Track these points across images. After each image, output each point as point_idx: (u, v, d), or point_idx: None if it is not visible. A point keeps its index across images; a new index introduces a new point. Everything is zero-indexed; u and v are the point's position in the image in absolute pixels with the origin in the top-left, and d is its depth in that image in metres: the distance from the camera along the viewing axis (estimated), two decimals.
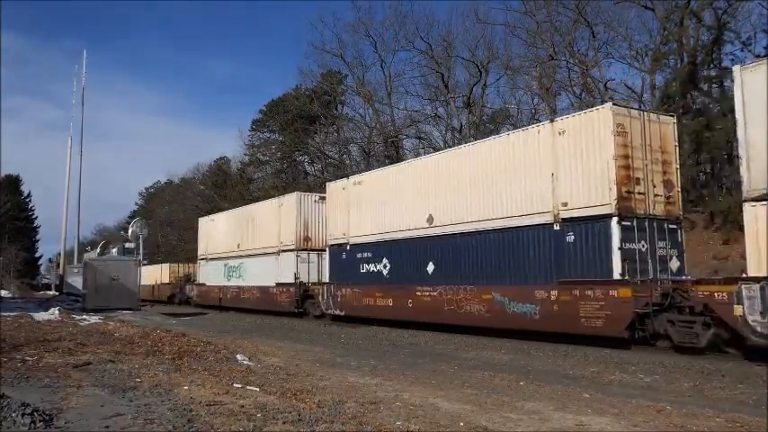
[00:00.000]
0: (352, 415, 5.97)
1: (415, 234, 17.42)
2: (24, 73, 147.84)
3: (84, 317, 21.20)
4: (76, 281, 34.59)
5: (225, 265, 30.02)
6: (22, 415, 5.36)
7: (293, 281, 23.44)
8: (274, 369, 9.40)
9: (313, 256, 23.78)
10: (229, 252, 29.70)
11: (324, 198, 23.25)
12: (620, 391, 7.76)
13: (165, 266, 44.58)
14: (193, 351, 11.20)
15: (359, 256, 19.73)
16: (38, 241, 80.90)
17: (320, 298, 21.55)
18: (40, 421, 5.34)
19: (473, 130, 34.07)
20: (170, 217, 67.54)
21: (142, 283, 44.09)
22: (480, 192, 15.40)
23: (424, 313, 16.78)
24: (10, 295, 43.33)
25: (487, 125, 35.33)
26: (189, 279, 38.66)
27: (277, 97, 52.56)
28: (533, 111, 33.25)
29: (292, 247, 23.88)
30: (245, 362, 10.11)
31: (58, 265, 55.05)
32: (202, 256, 33.37)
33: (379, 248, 18.92)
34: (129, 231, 60.93)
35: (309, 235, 24.02)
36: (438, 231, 16.60)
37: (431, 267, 16.80)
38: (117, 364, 9.36)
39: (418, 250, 17.26)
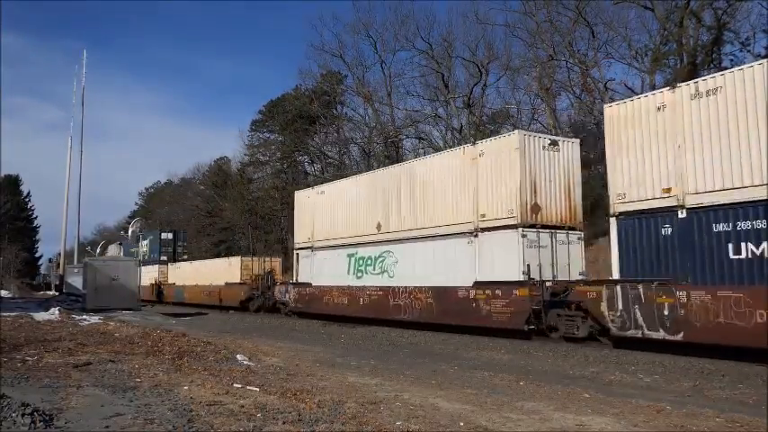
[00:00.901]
0: (352, 415, 5.97)
1: None
2: (24, 73, 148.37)
3: (84, 317, 21.19)
4: (76, 281, 34.64)
5: (350, 257, 20.90)
6: (22, 415, 5.36)
7: (519, 277, 14.29)
8: (274, 369, 9.40)
9: (544, 236, 14.90)
10: (360, 237, 20.43)
11: (555, 144, 15.49)
12: (620, 391, 7.76)
13: (235, 260, 33.91)
14: (193, 351, 11.19)
15: (742, 225, 10.33)
16: (38, 241, 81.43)
17: (603, 309, 12.09)
18: (40, 421, 5.33)
19: (473, 130, 34.07)
20: (170, 217, 67.59)
21: (188, 284, 38.24)
22: None
23: None
24: (10, 295, 43.41)
25: (488, 126, 35.36)
26: (273, 277, 29.59)
27: (277, 97, 52.72)
28: (533, 111, 33.32)
29: (511, 221, 14.77)
30: (245, 362, 10.11)
31: (58, 265, 55.13)
32: (303, 245, 23.90)
33: None
34: (129, 231, 61.19)
35: (539, 202, 15.03)
36: None
37: None
38: (117, 364, 9.36)
39: None
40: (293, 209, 25.75)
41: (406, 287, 17.90)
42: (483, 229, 15.58)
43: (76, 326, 17.20)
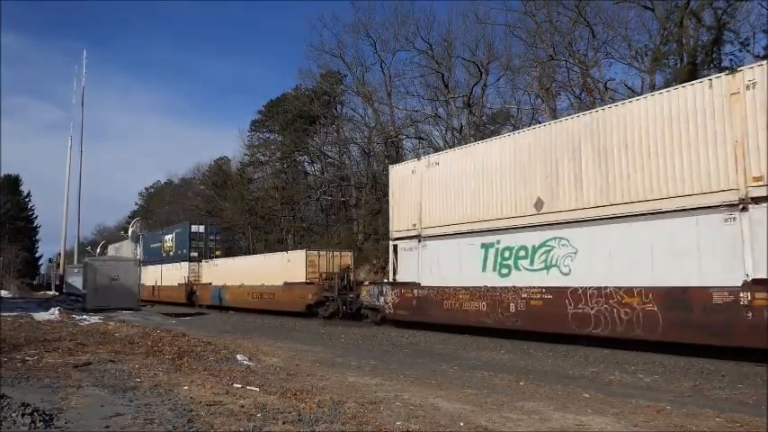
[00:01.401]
0: (352, 415, 5.97)
1: None
2: (24, 73, 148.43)
3: (84, 317, 21.21)
4: (76, 281, 34.65)
5: (487, 248, 15.94)
6: (22, 415, 5.36)
7: None
8: (274, 369, 9.41)
9: None
10: (505, 219, 15.50)
11: None
12: (620, 391, 7.76)
13: (297, 255, 26.91)
14: (193, 351, 11.20)
15: None
16: (38, 241, 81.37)
17: None
18: (40, 421, 5.34)
19: (473, 130, 34.08)
20: (170, 217, 67.62)
21: (230, 284, 32.82)
22: None
23: None
24: (10, 295, 43.42)
25: (488, 126, 35.37)
26: (349, 276, 24.80)
27: (277, 97, 52.75)
28: (533, 111, 33.32)
29: None
30: (245, 362, 10.11)
31: (58, 265, 55.15)
32: (406, 234, 18.81)
33: None
34: (129, 231, 61.19)
35: None
36: None
37: None
38: (117, 364, 9.36)
39: None
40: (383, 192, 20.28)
41: (600, 288, 12.76)
42: (759, 199, 10.62)
43: (76, 326, 17.20)
